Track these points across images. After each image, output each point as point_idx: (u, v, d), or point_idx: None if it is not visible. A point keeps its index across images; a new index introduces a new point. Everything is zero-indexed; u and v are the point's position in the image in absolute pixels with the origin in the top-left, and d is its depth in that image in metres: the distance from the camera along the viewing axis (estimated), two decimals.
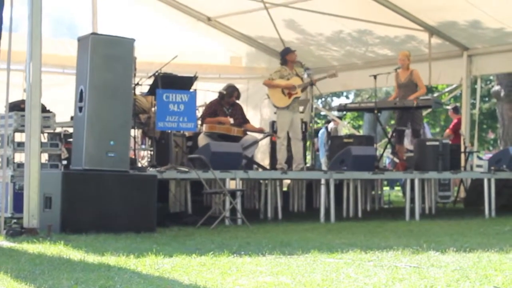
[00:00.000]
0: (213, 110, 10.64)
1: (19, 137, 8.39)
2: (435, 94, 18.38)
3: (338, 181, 10.31)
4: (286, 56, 10.33)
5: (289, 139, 10.31)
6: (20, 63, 7.67)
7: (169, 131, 9.43)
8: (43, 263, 4.90)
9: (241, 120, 10.73)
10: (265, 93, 10.72)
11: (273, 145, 11.48)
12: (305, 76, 10.65)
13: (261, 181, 10.94)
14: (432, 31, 12.78)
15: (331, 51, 14.23)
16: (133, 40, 7.89)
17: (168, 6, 13.09)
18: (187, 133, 10.76)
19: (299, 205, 11.60)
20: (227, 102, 10.68)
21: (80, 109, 7.57)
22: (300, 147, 10.40)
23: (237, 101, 10.85)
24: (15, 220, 7.62)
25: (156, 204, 7.67)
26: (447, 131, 14.33)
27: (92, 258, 5.23)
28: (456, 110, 14.15)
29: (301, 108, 11.29)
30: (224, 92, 10.70)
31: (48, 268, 4.65)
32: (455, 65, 13.38)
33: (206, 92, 11.72)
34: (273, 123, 11.45)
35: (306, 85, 10.44)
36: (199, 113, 10.86)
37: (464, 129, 13.21)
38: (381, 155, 12.53)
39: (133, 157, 9.93)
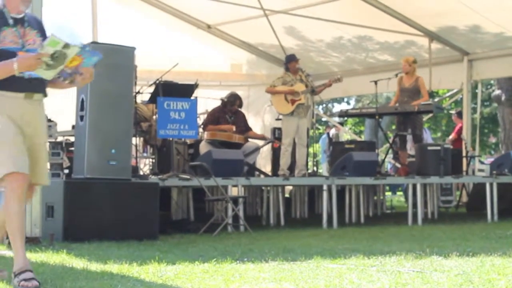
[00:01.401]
0: (215, 117, 10.65)
1: None
2: (436, 99, 18.34)
3: (340, 186, 10.30)
4: (288, 63, 10.35)
5: (293, 145, 10.28)
6: None
7: (171, 139, 9.45)
8: (46, 272, 4.89)
9: (243, 128, 10.74)
10: (267, 99, 10.72)
11: (274, 152, 11.47)
12: None
13: (263, 187, 10.93)
14: (432, 36, 12.79)
15: (331, 57, 14.25)
16: (133, 48, 7.91)
17: (168, 14, 13.11)
18: (188, 141, 10.77)
19: (301, 211, 11.59)
20: (230, 110, 10.70)
21: (82, 118, 7.58)
22: (304, 153, 10.38)
23: (239, 109, 10.86)
24: None
25: (158, 212, 7.68)
26: (453, 135, 14.31)
27: (95, 266, 5.23)
28: (460, 115, 14.14)
29: None
30: (226, 100, 10.72)
31: (51, 276, 4.65)
32: (455, 70, 13.38)
33: (207, 100, 11.72)
34: (274, 130, 11.45)
35: (308, 91, 10.39)
36: (200, 120, 10.86)
37: (466, 134, 13.21)
38: (383, 161, 12.52)
39: (135, 165, 9.94)
